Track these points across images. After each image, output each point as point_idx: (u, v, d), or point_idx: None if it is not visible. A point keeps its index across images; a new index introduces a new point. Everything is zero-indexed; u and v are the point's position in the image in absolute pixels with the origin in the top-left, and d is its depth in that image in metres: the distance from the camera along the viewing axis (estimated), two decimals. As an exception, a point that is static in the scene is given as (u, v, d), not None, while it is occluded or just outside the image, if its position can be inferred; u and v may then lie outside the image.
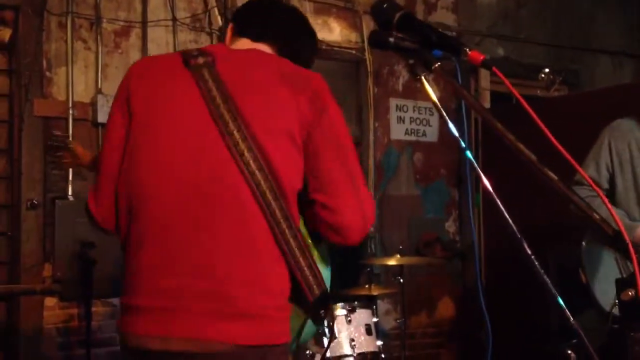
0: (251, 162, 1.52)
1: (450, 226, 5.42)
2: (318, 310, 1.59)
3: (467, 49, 1.15)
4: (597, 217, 1.03)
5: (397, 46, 1.38)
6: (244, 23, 1.84)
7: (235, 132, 1.54)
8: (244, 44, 1.79)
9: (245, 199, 1.52)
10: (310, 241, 1.66)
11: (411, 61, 1.36)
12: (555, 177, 1.04)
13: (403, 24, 1.22)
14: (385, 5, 1.26)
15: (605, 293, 2.79)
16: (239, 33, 1.83)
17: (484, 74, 5.53)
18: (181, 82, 1.63)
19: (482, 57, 1.14)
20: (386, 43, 1.39)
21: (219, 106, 1.57)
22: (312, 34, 1.91)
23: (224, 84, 1.60)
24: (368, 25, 4.99)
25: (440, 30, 1.20)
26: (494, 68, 1.14)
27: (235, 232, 1.52)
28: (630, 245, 1.00)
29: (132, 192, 1.62)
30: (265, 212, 1.52)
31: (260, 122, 1.56)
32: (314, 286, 1.56)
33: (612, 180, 3.12)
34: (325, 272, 1.69)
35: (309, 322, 1.63)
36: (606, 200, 1.07)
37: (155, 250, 1.58)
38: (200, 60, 1.65)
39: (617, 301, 2.19)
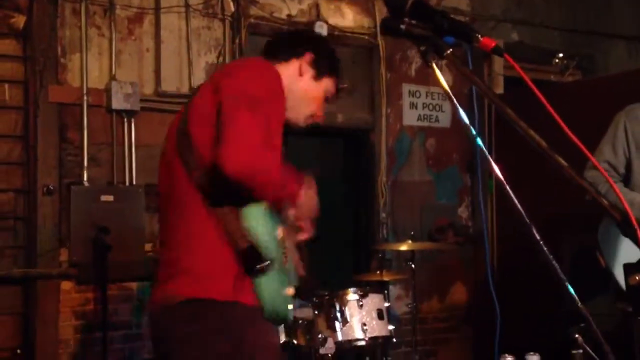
0: (183, 148, 1.83)
1: (463, 212, 5.42)
2: (250, 264, 1.76)
3: (479, 36, 1.16)
4: (606, 203, 1.04)
5: (409, 33, 1.39)
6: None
7: (180, 133, 1.86)
8: None
9: (178, 172, 1.83)
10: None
11: (423, 48, 1.37)
12: (566, 164, 1.05)
13: (415, 11, 1.23)
14: (397, -8, 1.27)
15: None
16: None
17: (498, 59, 5.51)
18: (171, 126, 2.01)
19: (493, 44, 1.15)
20: (398, 30, 1.40)
21: (181, 120, 1.90)
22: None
23: (190, 104, 1.93)
24: (381, 11, 4.98)
25: (452, 16, 1.20)
26: (505, 55, 1.15)
27: (175, 203, 1.85)
28: (638, 231, 1.00)
29: None
30: (187, 172, 1.80)
31: (195, 112, 1.86)
32: (238, 239, 1.76)
33: (629, 164, 3.12)
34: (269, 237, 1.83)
35: (266, 285, 1.79)
36: (614, 185, 1.08)
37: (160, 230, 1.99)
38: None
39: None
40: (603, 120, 4.54)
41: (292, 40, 2.12)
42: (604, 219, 3.04)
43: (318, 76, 2.03)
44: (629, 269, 1.95)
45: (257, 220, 1.79)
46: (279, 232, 1.87)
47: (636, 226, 1.02)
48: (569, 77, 5.56)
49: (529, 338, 4.12)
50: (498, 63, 5.52)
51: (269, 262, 1.77)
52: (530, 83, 1.09)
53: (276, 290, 1.83)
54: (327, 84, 2.07)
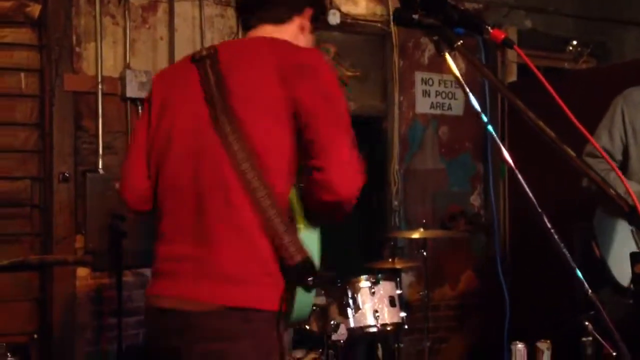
0: (234, 143, 1.69)
1: (475, 200, 5.43)
2: (303, 277, 1.69)
3: (489, 27, 1.17)
4: (613, 193, 1.06)
5: (421, 23, 1.41)
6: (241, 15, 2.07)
7: (222, 115, 1.71)
8: (249, 34, 1.98)
9: (227, 174, 1.70)
10: (301, 216, 1.77)
11: (435, 38, 1.39)
12: (574, 155, 1.07)
13: (426, 3, 1.24)
14: (409, -16, 1.29)
15: (621, 267, 2.74)
16: (243, 27, 2.04)
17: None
18: (188, 74, 1.84)
19: (503, 36, 1.16)
20: (410, 20, 1.42)
21: (212, 90, 1.75)
22: None
23: (219, 69, 1.78)
24: (394, -2, 4.97)
25: (464, 5, 1.22)
26: (515, 46, 1.16)
27: (220, 203, 1.71)
28: (646, 220, 1.02)
29: (156, 172, 1.88)
30: (243, 184, 1.68)
31: (245, 104, 1.73)
32: (294, 253, 1.67)
33: (625, 150, 3.04)
34: (314, 247, 1.77)
35: (301, 294, 1.71)
36: (620, 174, 1.10)
37: (168, 221, 1.84)
38: (204, 52, 1.86)
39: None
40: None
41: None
42: (598, 208, 2.99)
43: (314, 28, 2.01)
44: (635, 257, 1.97)
45: (310, 232, 1.77)
46: None
47: (643, 216, 1.03)
48: (583, 65, 5.54)
49: (541, 325, 4.14)
50: (511, 51, 5.49)
51: (317, 275, 1.72)
52: (538, 73, 1.11)
53: (307, 300, 1.76)
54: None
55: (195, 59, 1.85)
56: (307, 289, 1.71)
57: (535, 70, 1.09)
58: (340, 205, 1.71)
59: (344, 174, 1.70)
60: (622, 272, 2.70)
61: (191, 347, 1.69)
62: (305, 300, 1.74)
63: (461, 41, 1.20)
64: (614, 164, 1.98)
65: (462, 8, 1.22)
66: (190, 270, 1.72)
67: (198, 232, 1.73)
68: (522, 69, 5.54)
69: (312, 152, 1.70)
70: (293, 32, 1.94)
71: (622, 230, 2.86)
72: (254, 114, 1.71)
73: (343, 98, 1.78)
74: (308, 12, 1.96)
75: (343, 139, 1.74)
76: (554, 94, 1.07)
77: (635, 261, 1.94)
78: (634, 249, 2.73)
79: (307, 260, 1.70)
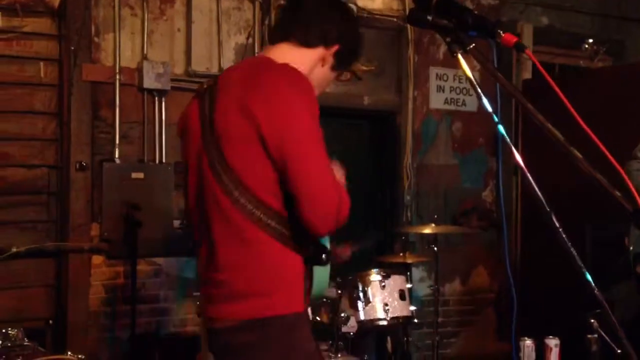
0: (222, 174, 1.77)
1: (488, 196, 5.44)
2: (317, 258, 1.81)
3: (501, 32, 1.20)
4: (618, 194, 1.08)
5: (435, 24, 1.44)
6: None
7: (212, 150, 1.79)
8: (263, 50, 2.08)
9: (224, 203, 1.77)
10: None
11: (448, 39, 1.42)
12: (581, 156, 1.10)
13: (441, 6, 1.27)
14: (424, -13, 1.32)
15: None
16: (268, 40, 2.11)
17: (527, 43, 5.47)
18: (193, 110, 1.89)
19: (514, 40, 1.19)
20: (424, 21, 1.45)
21: (205, 127, 1.82)
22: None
23: (214, 102, 1.82)
24: (410, -6, 4.98)
25: (479, 3, 1.24)
26: (527, 50, 1.19)
27: (224, 230, 1.80)
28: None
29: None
30: (240, 209, 1.75)
31: (224, 135, 1.77)
32: (304, 247, 1.79)
33: None
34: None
35: (318, 269, 1.84)
36: (626, 176, 1.12)
37: (200, 247, 1.93)
38: (205, 86, 1.90)
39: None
40: (633, 107, 4.53)
41: (325, 23, 1.92)
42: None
43: (336, 68, 1.97)
44: (638, 257, 1.99)
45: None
46: None
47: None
48: (599, 63, 5.52)
49: (550, 322, 4.16)
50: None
51: (329, 251, 1.81)
52: (547, 76, 1.13)
53: (324, 274, 1.87)
54: (339, 73, 2.07)
55: (197, 95, 1.92)
56: (321, 265, 1.83)
57: (545, 74, 1.12)
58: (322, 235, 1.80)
59: (316, 210, 1.69)
60: None
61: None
62: (322, 274, 1.86)
63: (474, 44, 1.23)
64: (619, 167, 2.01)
65: (475, 12, 1.24)
66: (214, 293, 1.85)
67: (213, 257, 1.84)
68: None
69: (284, 178, 1.72)
70: (312, 59, 1.91)
71: None
72: (231, 144, 1.76)
73: (305, 117, 1.72)
74: (335, 47, 1.92)
75: (310, 165, 1.70)
76: (562, 96, 1.10)
77: (636, 261, 1.97)
78: None
79: (317, 245, 1.81)
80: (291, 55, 1.89)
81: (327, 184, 1.71)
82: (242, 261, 1.78)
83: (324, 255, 1.81)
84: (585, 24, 5.77)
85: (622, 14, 5.89)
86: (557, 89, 1.12)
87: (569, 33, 5.66)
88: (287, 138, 1.70)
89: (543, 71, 1.14)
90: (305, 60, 1.90)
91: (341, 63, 1.97)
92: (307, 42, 1.91)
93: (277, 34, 1.96)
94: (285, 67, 1.79)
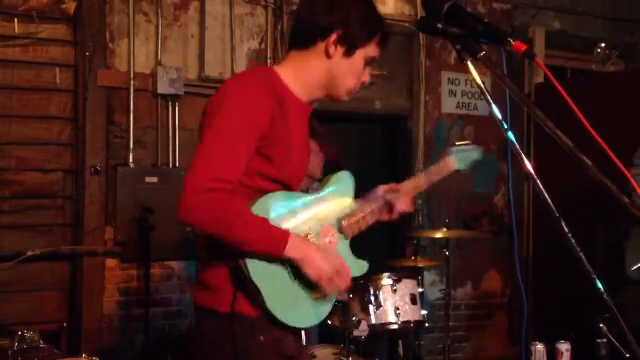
0: None
1: (499, 200, 5.44)
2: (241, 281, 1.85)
3: (511, 40, 1.22)
4: (627, 200, 1.10)
5: (445, 32, 1.46)
6: None
7: None
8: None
9: None
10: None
11: (458, 46, 1.44)
12: (590, 163, 1.11)
13: (451, 14, 1.29)
14: (435, -4, 1.34)
15: None
16: None
17: (539, 48, 5.48)
18: None
19: (524, 48, 1.21)
20: (435, 29, 1.47)
21: None
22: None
23: None
24: (422, -3, 4.99)
25: (486, 20, 1.27)
26: (536, 59, 1.21)
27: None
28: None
29: None
30: None
31: None
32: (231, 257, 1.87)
33: None
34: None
35: (275, 302, 1.84)
36: (633, 180, 1.14)
37: None
38: None
39: None
40: (644, 111, 4.52)
41: (314, 19, 1.89)
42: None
43: (349, 52, 1.89)
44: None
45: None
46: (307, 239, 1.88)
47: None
48: (611, 67, 5.51)
49: (563, 326, 4.16)
50: (539, 52, 5.49)
51: (253, 283, 1.78)
52: (556, 83, 1.15)
53: (284, 303, 1.83)
54: (364, 52, 1.92)
55: None
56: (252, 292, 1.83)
57: (555, 82, 1.14)
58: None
59: (181, 193, 1.68)
60: None
61: None
62: (278, 305, 1.83)
63: (484, 52, 1.25)
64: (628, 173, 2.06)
65: (486, 20, 1.26)
66: None
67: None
68: (550, 69, 5.51)
69: None
70: (316, 57, 1.90)
71: None
72: None
73: (231, 113, 1.75)
74: (333, 36, 1.86)
75: (201, 155, 1.71)
76: (571, 102, 1.12)
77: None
78: None
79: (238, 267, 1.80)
80: (294, 61, 1.92)
81: (205, 161, 1.69)
82: (203, 258, 1.93)
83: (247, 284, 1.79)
84: (597, 28, 5.76)
85: (634, 18, 5.88)
86: (566, 95, 1.14)
87: (581, 37, 5.66)
88: (206, 127, 1.78)
89: (553, 79, 1.16)
90: (308, 61, 1.90)
91: (353, 44, 1.89)
92: (305, 44, 1.91)
93: (288, 44, 2.01)
94: (242, 72, 1.94)
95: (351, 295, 3.33)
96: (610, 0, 5.87)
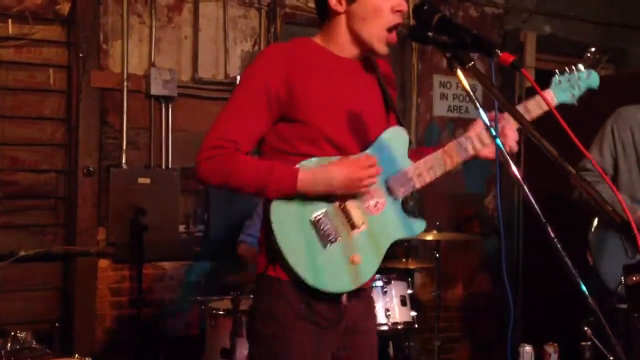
0: None
1: (490, 202, 5.48)
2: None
3: (498, 51, 1.25)
4: (609, 208, 1.13)
5: (435, 41, 1.50)
6: None
7: None
8: None
9: None
10: None
11: (448, 55, 1.48)
12: (574, 172, 1.15)
13: (440, 25, 1.33)
14: (425, 7, 1.38)
15: (611, 271, 2.90)
16: None
17: (530, 52, 5.53)
18: None
19: (511, 59, 1.24)
20: (425, 38, 1.51)
21: None
22: None
23: None
24: (414, 2, 5.02)
25: (474, 31, 1.30)
26: (523, 70, 1.24)
27: None
28: (638, 235, 1.10)
29: None
30: None
31: None
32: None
33: (615, 164, 3.24)
34: None
35: (302, 263, 1.90)
36: (612, 184, 1.17)
37: None
38: None
39: (622, 283, 2.31)
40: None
41: None
42: (596, 220, 3.15)
43: None
44: (629, 269, 2.04)
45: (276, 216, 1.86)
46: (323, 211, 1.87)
47: (636, 231, 1.11)
48: (602, 71, 5.53)
49: (552, 328, 4.20)
50: (530, 55, 5.54)
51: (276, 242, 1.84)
52: (540, 90, 1.18)
53: (312, 265, 1.84)
54: None
55: None
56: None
57: (539, 90, 1.17)
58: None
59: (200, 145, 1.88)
60: (612, 276, 2.84)
61: None
62: (306, 267, 1.85)
63: (472, 62, 1.28)
64: (606, 177, 2.11)
65: (474, 31, 1.30)
66: None
67: None
68: (540, 74, 5.57)
69: None
70: (335, 21, 1.95)
71: (614, 239, 3.02)
72: None
73: (241, 83, 1.92)
74: None
75: (214, 121, 1.89)
76: (553, 108, 1.15)
77: (628, 273, 2.02)
78: (623, 255, 2.88)
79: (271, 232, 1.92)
80: (324, 30, 2.00)
81: (215, 125, 1.87)
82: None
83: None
84: (588, 32, 5.80)
85: (625, 22, 5.93)
86: (549, 102, 1.17)
87: (572, 41, 5.69)
88: None
89: (538, 88, 1.19)
90: (332, 28, 1.96)
91: None
92: (322, 18, 2.00)
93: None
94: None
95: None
96: (601, 5, 5.91)
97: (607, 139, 3.23)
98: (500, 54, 1.23)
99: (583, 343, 2.74)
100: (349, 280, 1.90)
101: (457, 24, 1.33)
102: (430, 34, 1.50)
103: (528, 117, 2.01)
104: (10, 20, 3.95)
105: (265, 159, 1.93)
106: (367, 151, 1.94)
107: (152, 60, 4.24)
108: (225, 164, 1.82)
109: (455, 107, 5.32)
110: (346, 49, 1.97)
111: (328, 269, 1.86)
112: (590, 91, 2.13)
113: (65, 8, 4.08)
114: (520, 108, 1.99)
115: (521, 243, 5.45)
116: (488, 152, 2.07)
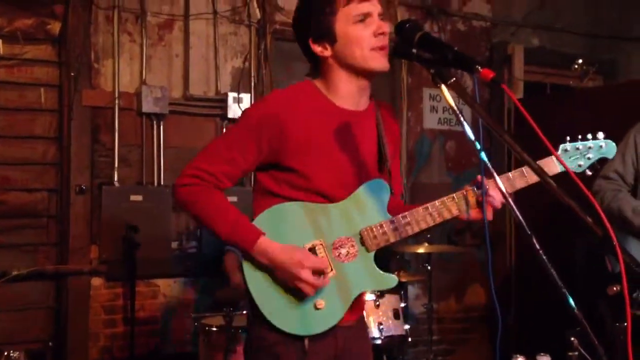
0: None
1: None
2: None
3: (479, 67, 1.28)
4: (589, 220, 1.16)
5: (419, 57, 1.53)
6: None
7: None
8: None
9: None
10: None
11: (432, 71, 1.51)
12: (555, 185, 1.17)
13: (422, 43, 1.35)
14: (407, 25, 1.41)
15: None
16: None
17: (518, 64, 5.58)
18: None
19: (491, 75, 1.27)
20: (410, 54, 1.54)
21: None
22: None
23: None
24: (403, 16, 5.07)
25: (456, 48, 1.33)
26: (503, 85, 1.27)
27: None
28: (617, 246, 1.12)
29: None
30: None
31: None
32: None
33: (637, 174, 3.27)
34: None
35: (269, 306, 1.97)
36: (594, 200, 1.20)
37: None
38: None
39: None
40: (624, 126, 4.61)
41: (297, 37, 2.01)
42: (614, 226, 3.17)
43: (329, 38, 1.91)
44: (609, 279, 2.06)
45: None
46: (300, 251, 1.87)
47: (616, 242, 1.13)
48: (589, 82, 5.61)
49: (543, 339, 4.21)
50: (518, 68, 5.59)
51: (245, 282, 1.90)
52: (521, 106, 1.21)
53: (277, 306, 1.88)
54: (344, 19, 1.90)
55: None
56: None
57: (520, 105, 1.20)
58: None
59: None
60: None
61: None
62: (272, 310, 1.91)
63: (454, 78, 1.31)
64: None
65: (455, 48, 1.32)
66: None
67: None
68: (529, 86, 5.63)
69: None
70: (323, 64, 1.97)
71: (636, 247, 3.05)
72: None
73: (235, 124, 1.97)
74: (310, 40, 1.94)
75: (205, 148, 1.96)
76: (530, 118, 1.17)
77: (608, 283, 2.04)
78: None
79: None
80: (321, 76, 2.01)
81: (201, 154, 1.94)
82: None
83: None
84: (576, 44, 5.85)
85: (613, 34, 5.98)
86: (527, 115, 1.20)
87: (560, 53, 5.75)
88: None
89: (518, 103, 1.22)
90: (324, 73, 1.98)
91: (324, 30, 1.91)
92: (314, 65, 2.02)
93: None
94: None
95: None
96: (588, 17, 5.96)
97: (629, 149, 3.27)
98: (481, 70, 1.26)
99: (570, 353, 2.75)
100: (312, 324, 1.90)
101: (439, 40, 1.36)
102: (414, 50, 1.53)
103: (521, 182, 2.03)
104: (1, 41, 3.97)
105: (256, 197, 1.97)
106: (345, 201, 1.95)
107: (143, 78, 4.27)
108: (198, 197, 1.89)
109: (446, 120, 5.36)
110: (347, 99, 1.99)
111: (292, 311, 1.89)
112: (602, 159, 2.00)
113: (56, 28, 4.11)
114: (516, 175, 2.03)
115: (513, 254, 5.47)
116: (474, 213, 2.09)
